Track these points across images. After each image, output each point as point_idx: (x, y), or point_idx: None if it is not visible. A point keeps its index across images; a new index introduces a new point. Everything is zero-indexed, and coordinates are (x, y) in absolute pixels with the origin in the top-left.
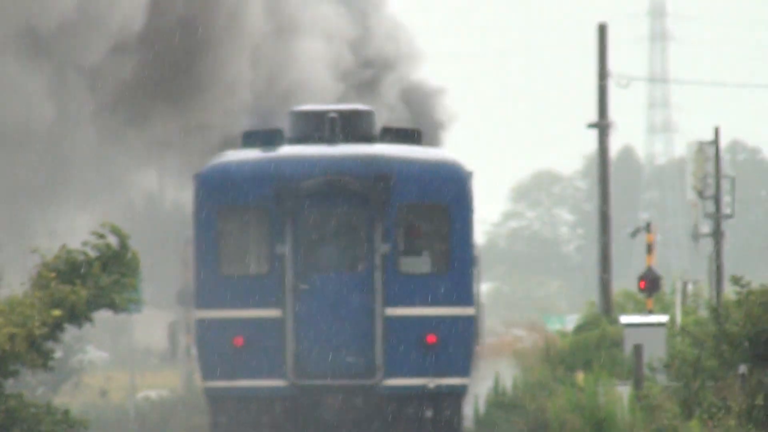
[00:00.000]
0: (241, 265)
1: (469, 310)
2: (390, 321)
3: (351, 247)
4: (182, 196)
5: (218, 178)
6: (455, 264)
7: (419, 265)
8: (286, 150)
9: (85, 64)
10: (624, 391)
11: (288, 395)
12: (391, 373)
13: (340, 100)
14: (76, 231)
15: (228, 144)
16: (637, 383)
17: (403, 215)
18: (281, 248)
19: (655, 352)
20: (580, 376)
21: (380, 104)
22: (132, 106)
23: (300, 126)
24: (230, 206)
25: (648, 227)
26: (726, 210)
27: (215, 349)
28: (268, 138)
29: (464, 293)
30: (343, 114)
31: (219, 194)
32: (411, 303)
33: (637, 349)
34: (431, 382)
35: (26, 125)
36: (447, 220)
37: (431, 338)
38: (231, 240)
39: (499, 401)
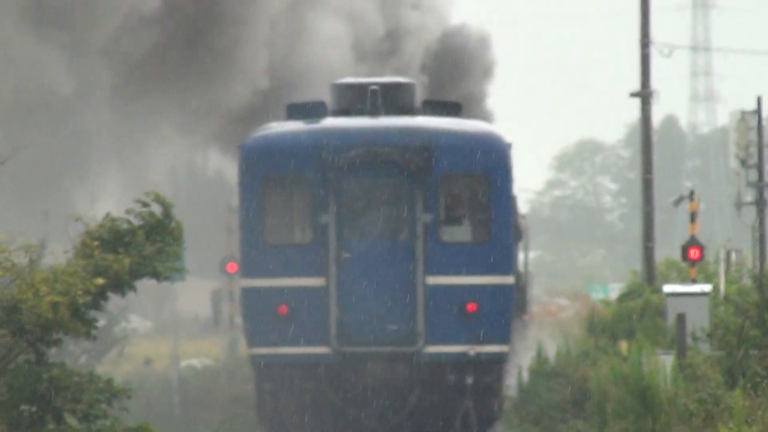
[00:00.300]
0: (285, 234)
1: (508, 279)
2: (431, 289)
3: (393, 217)
4: (225, 165)
5: (263, 148)
6: (495, 233)
7: (460, 234)
8: (329, 122)
9: (98, 40)
10: (667, 360)
11: (331, 362)
12: (432, 341)
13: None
14: (119, 199)
15: (240, 119)
16: (681, 352)
17: (443, 185)
18: (325, 218)
19: (699, 321)
20: (623, 346)
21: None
22: (149, 81)
23: (342, 99)
24: (274, 176)
25: (691, 196)
26: None
27: (260, 317)
28: (311, 110)
29: (504, 262)
30: (384, 87)
31: (263, 164)
32: (452, 272)
33: (681, 318)
34: (471, 350)
35: (49, 95)
36: (487, 190)
37: (471, 306)
38: (275, 209)
39: (542, 370)
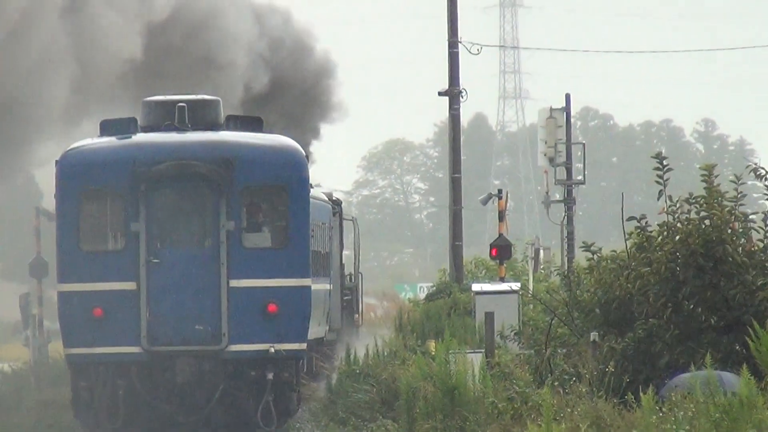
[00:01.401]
0: (99, 242)
1: (305, 281)
2: (234, 292)
3: (199, 225)
4: (34, 172)
5: (78, 163)
6: (293, 239)
7: (260, 240)
8: (140, 137)
9: None
10: (476, 359)
11: (142, 360)
12: (235, 340)
13: None
14: None
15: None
16: (489, 351)
17: (245, 195)
18: (135, 226)
19: (508, 319)
20: (431, 345)
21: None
22: None
23: (152, 115)
24: (89, 188)
25: (499, 194)
26: (577, 177)
27: (76, 319)
28: (123, 126)
29: (301, 266)
30: (191, 103)
31: (79, 178)
32: (253, 275)
33: (489, 317)
34: (272, 348)
35: None
36: (285, 200)
37: (272, 307)
38: (90, 219)
39: (351, 371)
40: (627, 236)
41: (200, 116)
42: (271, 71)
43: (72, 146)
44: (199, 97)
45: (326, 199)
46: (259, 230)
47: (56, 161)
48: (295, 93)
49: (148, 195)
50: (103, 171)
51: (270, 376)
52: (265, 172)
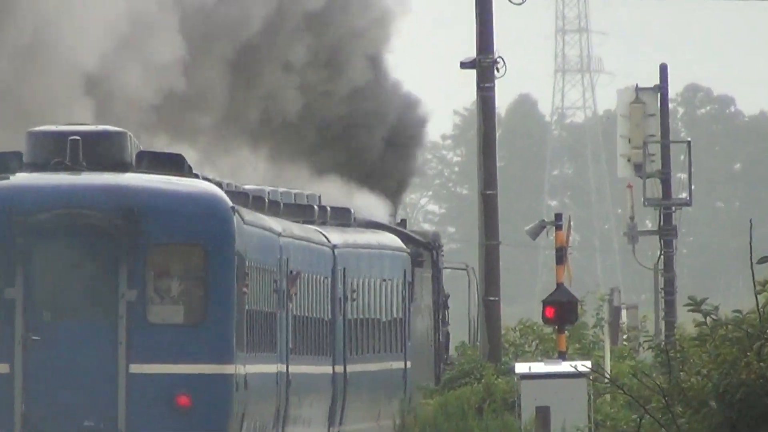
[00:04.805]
0: None
1: (228, 368)
2: (135, 379)
3: (92, 293)
4: None
5: None
6: (212, 313)
7: (171, 314)
8: (21, 178)
9: None
10: None
11: None
12: None
13: None
14: None
15: None
16: None
17: (153, 256)
18: (11, 292)
19: (572, 418)
20: None
21: None
22: None
23: (40, 149)
24: None
25: (557, 221)
26: (680, 194)
27: None
28: (2, 163)
29: (222, 347)
30: (88, 136)
31: None
32: (160, 358)
33: (542, 414)
34: None
35: None
36: (204, 262)
37: (183, 400)
38: None
39: None
40: (758, 287)
41: (101, 153)
42: None
43: None
44: (100, 128)
45: (398, 245)
46: (169, 301)
47: None
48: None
49: (27, 253)
50: None
51: None
52: (179, 227)
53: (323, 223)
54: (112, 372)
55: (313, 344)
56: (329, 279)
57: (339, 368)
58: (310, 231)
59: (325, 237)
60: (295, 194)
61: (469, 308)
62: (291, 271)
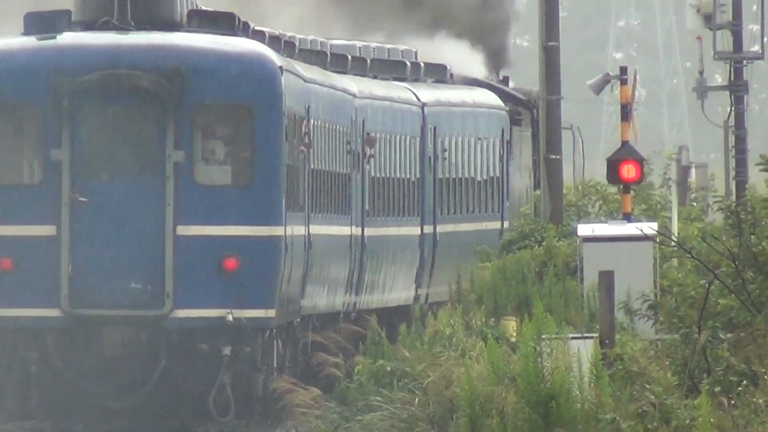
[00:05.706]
0: (9, 173)
1: (276, 230)
2: (183, 241)
3: (139, 154)
4: None
5: None
6: (260, 175)
7: (218, 175)
8: (67, 38)
9: None
10: (584, 348)
11: (62, 327)
12: (182, 303)
13: None
14: None
15: None
16: (606, 336)
17: (199, 117)
18: (57, 154)
19: (636, 283)
20: (510, 325)
21: None
22: None
23: (87, 8)
24: None
25: (623, 76)
26: (753, 47)
27: None
28: (51, 22)
29: (270, 210)
30: None
31: None
32: (208, 221)
33: (605, 279)
34: (230, 314)
35: None
36: (251, 123)
37: (231, 263)
38: None
39: (378, 369)
40: None
41: (150, 11)
42: None
43: None
44: None
45: (495, 103)
46: (216, 162)
47: None
48: None
49: (73, 114)
50: (14, 81)
51: (227, 351)
52: (225, 88)
53: (416, 80)
54: (159, 234)
55: (397, 205)
56: (417, 138)
57: (428, 228)
58: (397, 89)
59: (415, 95)
60: (389, 50)
61: (574, 169)
62: (368, 133)
